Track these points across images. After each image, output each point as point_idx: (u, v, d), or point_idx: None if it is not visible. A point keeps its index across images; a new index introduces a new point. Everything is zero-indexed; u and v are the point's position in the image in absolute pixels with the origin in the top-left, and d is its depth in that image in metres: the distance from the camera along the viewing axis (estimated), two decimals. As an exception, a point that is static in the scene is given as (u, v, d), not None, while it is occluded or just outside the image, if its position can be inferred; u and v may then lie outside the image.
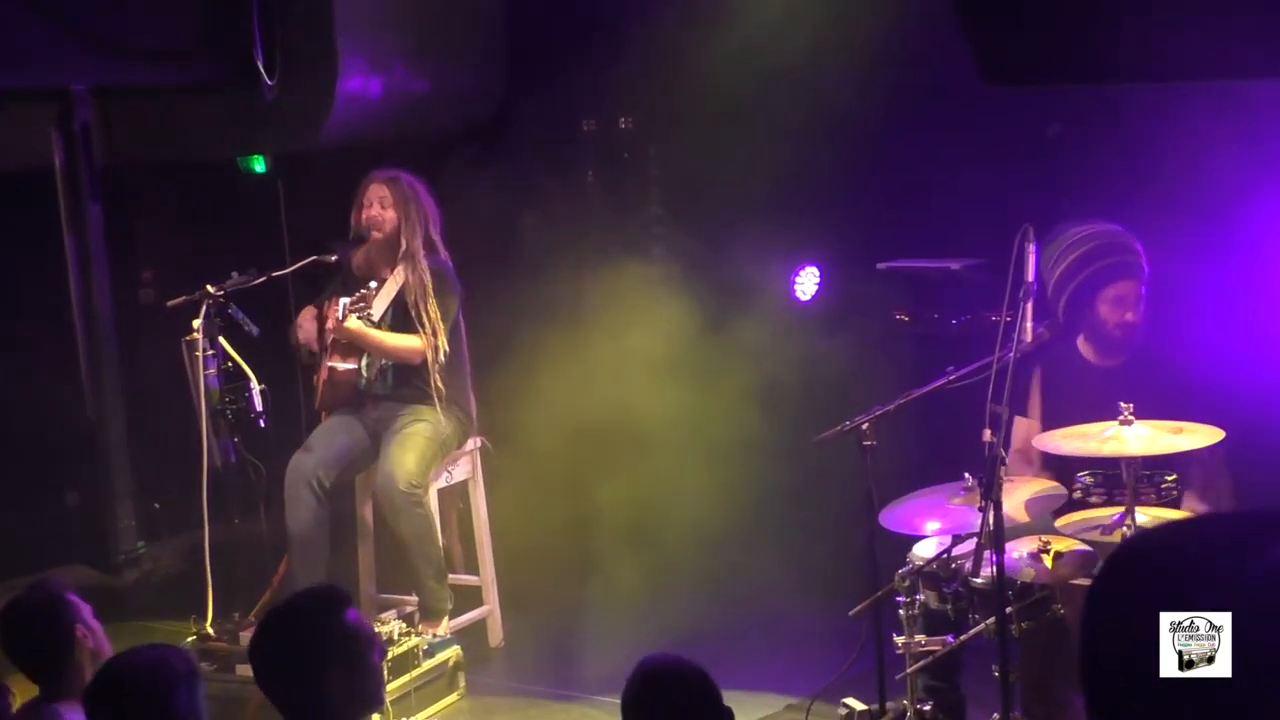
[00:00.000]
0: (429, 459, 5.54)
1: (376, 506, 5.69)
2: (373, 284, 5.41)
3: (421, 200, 5.63)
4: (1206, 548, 1.37)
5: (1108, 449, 4.02)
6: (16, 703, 3.67)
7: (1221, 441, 4.10)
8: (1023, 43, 4.22)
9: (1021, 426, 4.58)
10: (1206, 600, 1.31)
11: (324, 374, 5.66)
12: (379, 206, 5.58)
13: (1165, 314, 4.76)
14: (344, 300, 5.37)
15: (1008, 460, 4.44)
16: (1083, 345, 4.68)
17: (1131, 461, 4.03)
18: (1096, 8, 4.01)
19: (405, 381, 5.64)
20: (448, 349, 5.58)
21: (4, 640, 3.68)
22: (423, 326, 5.53)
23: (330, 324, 5.46)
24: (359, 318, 5.31)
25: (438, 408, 5.59)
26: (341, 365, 5.61)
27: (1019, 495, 4.18)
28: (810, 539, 5.85)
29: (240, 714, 4.85)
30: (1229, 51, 3.80)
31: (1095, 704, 1.38)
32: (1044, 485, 4.33)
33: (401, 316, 5.56)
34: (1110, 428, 4.08)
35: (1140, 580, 1.38)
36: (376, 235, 5.58)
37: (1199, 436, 4.05)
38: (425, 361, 5.57)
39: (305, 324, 5.71)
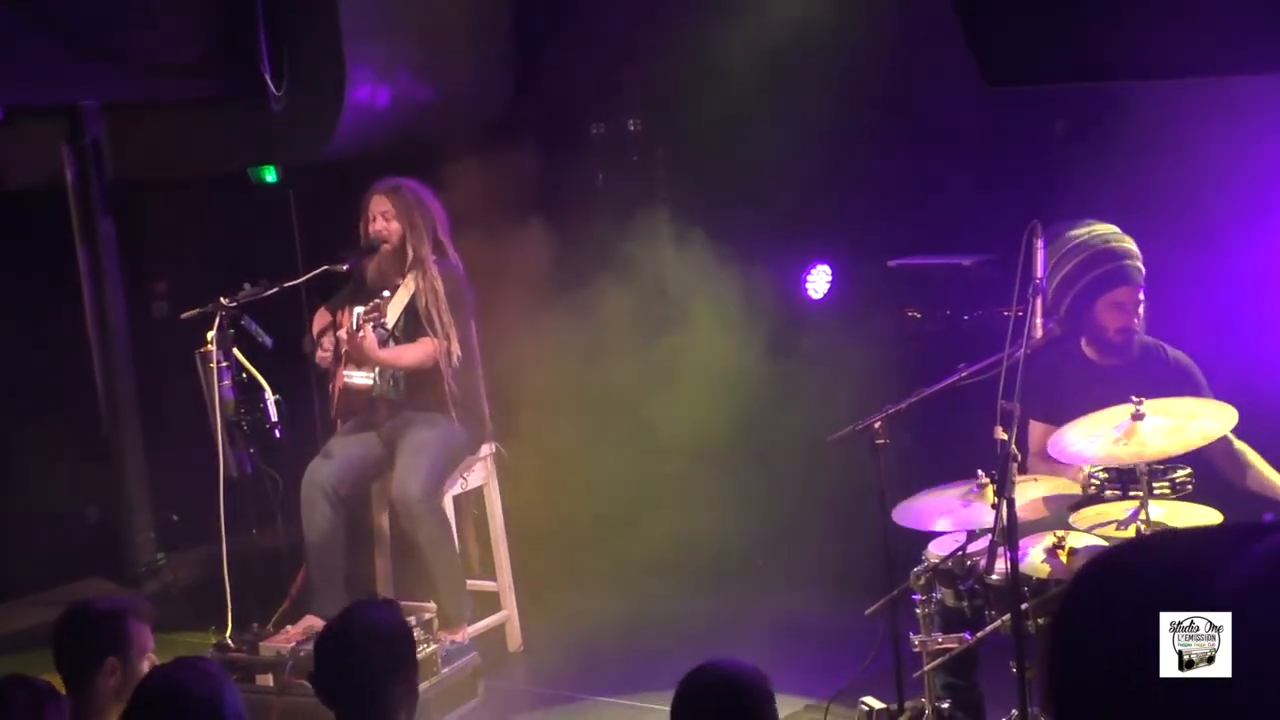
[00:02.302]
0: (443, 466, 5.55)
1: (392, 515, 5.71)
2: (385, 293, 5.42)
3: (425, 206, 5.63)
4: (1174, 563, 1.37)
5: (1124, 452, 4.00)
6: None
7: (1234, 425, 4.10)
8: (1023, 42, 4.22)
9: (1039, 430, 4.56)
10: (1193, 598, 1.31)
11: (339, 382, 5.68)
12: (383, 220, 5.59)
13: (1171, 309, 4.75)
14: (358, 310, 5.38)
15: (1029, 464, 4.46)
16: (1085, 346, 4.67)
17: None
18: (1096, 6, 4.01)
19: (418, 388, 5.65)
20: (460, 352, 5.59)
21: (53, 640, 3.69)
22: (435, 331, 5.54)
23: (344, 335, 5.47)
24: (373, 327, 5.31)
25: (451, 413, 5.60)
26: (356, 375, 5.62)
27: (1033, 492, 4.18)
28: (825, 538, 5.85)
29: (261, 724, 4.88)
30: (1230, 47, 3.80)
31: (1065, 706, 1.38)
32: (1057, 481, 4.31)
33: (414, 323, 5.57)
34: (1123, 421, 4.07)
35: (1115, 589, 1.38)
36: (386, 248, 5.60)
37: (1213, 423, 4.03)
38: (437, 366, 5.57)
39: (323, 335, 5.72)
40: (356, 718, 3.18)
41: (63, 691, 3.60)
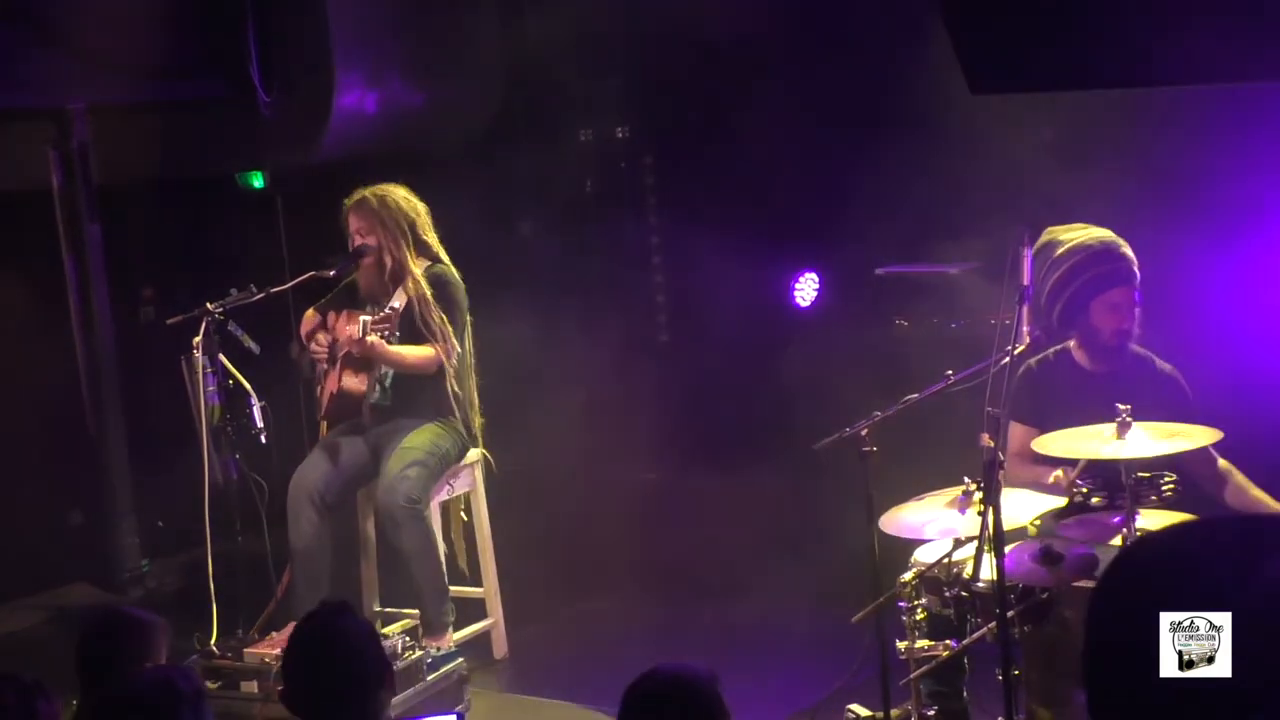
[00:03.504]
0: (429, 473, 5.53)
1: (378, 521, 5.69)
2: (395, 304, 5.39)
3: (394, 209, 5.55)
4: (1210, 553, 1.37)
5: (1105, 453, 4.02)
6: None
7: (1219, 443, 4.11)
8: (1008, 49, 4.23)
9: (1019, 431, 4.57)
10: (1210, 605, 1.31)
11: (333, 387, 5.65)
12: (359, 237, 5.58)
13: (1161, 318, 4.75)
14: (365, 318, 5.34)
15: (1007, 465, 4.45)
16: (1076, 351, 4.67)
17: (1130, 464, 4.03)
18: (1080, 13, 4.02)
19: (408, 396, 5.64)
20: (460, 351, 5.57)
21: (83, 646, 3.70)
22: (433, 336, 5.52)
23: (345, 339, 5.42)
24: (381, 336, 5.28)
25: (445, 419, 5.59)
26: (352, 382, 5.60)
27: (1019, 499, 4.18)
28: (811, 546, 5.84)
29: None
30: (1217, 55, 3.80)
31: (1097, 706, 1.38)
32: (1043, 487, 4.31)
33: (411, 331, 5.54)
34: (1108, 429, 4.07)
35: (1144, 584, 1.38)
36: (368, 260, 5.57)
37: (1195, 438, 4.04)
38: (441, 369, 5.55)
39: (315, 333, 5.70)
40: None
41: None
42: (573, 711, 5.35)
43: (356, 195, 5.60)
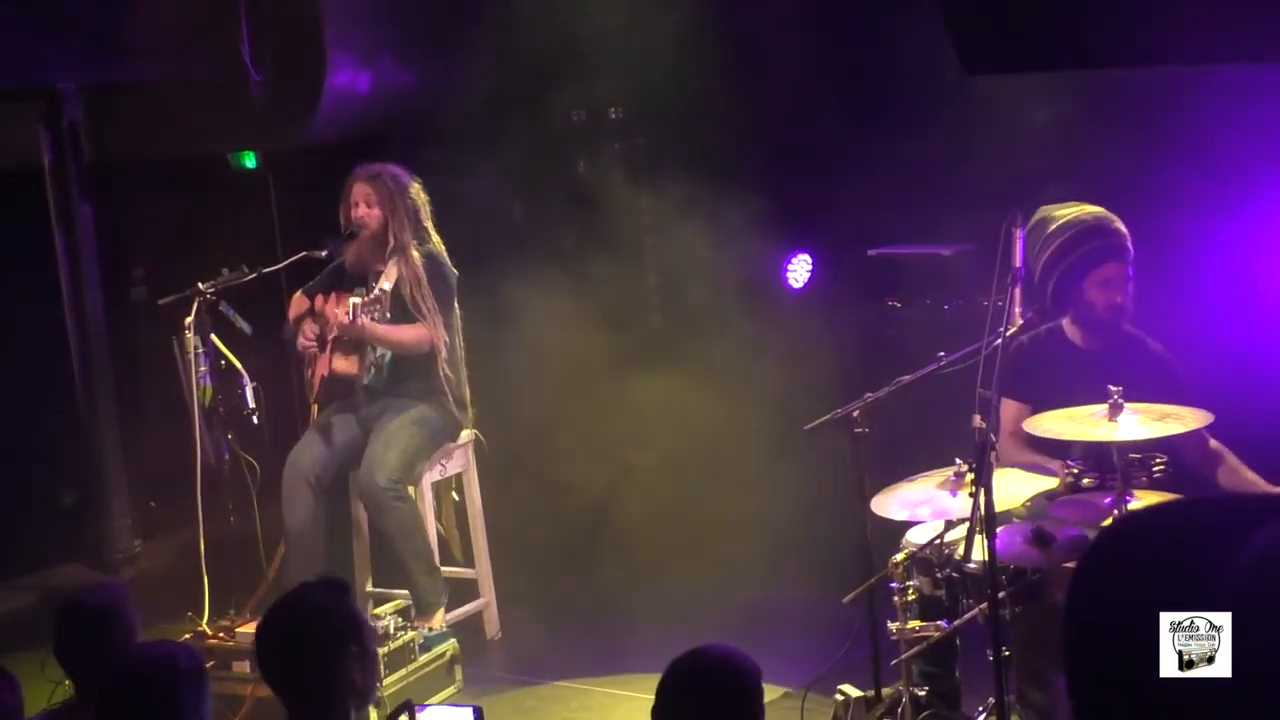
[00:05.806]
0: (413, 454, 5.52)
1: (362, 502, 5.68)
2: (385, 285, 5.38)
3: (406, 191, 5.60)
4: (1193, 533, 1.37)
5: (1097, 434, 4.02)
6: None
7: (1210, 426, 4.11)
8: (1002, 29, 4.22)
9: (1011, 409, 4.57)
10: (1193, 588, 1.30)
11: (323, 370, 5.64)
12: (364, 206, 5.57)
13: (1153, 298, 4.75)
14: (354, 300, 5.33)
15: (999, 444, 4.46)
16: (1069, 328, 4.67)
17: (1122, 446, 4.03)
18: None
19: (402, 378, 5.63)
20: (447, 338, 5.58)
21: (62, 638, 3.66)
22: (423, 317, 5.52)
23: (338, 322, 5.40)
24: (373, 319, 5.28)
25: (437, 401, 5.59)
26: (343, 364, 5.60)
27: (1011, 480, 4.18)
28: (803, 526, 5.85)
29: (237, 711, 4.87)
30: (1214, 35, 3.79)
31: (1079, 690, 1.37)
32: (1035, 467, 4.31)
33: (400, 311, 5.54)
34: (1100, 410, 4.08)
35: (1127, 565, 1.37)
36: (366, 234, 5.57)
37: (1187, 421, 4.04)
38: (432, 351, 5.55)
39: (302, 321, 5.69)
40: (297, 701, 3.03)
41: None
42: (565, 690, 5.37)
43: (373, 167, 5.60)
